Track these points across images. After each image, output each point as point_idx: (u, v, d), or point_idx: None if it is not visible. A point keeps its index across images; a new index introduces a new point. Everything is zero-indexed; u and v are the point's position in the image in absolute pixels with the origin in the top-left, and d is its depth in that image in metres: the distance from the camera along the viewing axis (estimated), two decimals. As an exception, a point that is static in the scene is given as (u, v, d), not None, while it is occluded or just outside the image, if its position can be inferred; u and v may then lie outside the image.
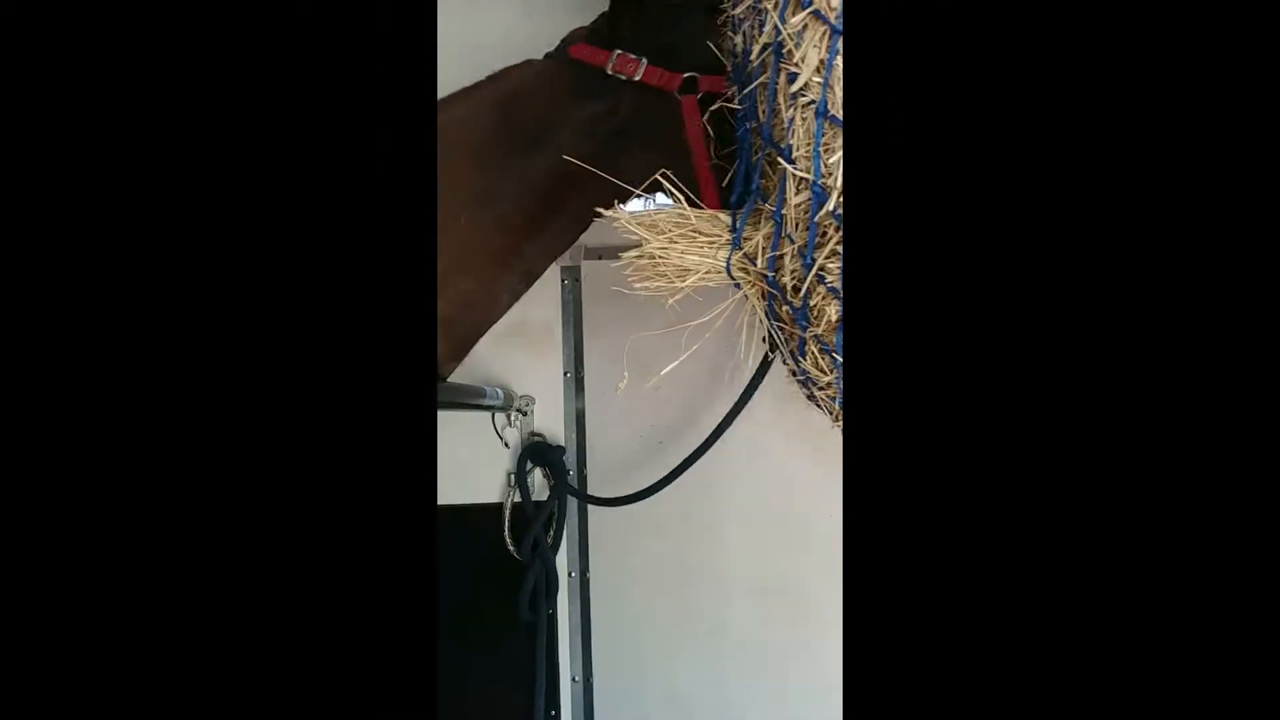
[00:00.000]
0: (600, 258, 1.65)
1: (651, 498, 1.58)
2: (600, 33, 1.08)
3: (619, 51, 1.03)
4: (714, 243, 0.77)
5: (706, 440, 1.35)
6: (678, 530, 1.61)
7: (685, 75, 1.00)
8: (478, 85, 1.11)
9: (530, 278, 1.18)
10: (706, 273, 0.77)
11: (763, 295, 0.78)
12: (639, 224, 0.77)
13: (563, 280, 1.67)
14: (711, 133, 0.92)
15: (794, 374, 0.82)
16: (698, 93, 1.00)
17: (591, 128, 1.03)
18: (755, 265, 0.75)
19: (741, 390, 1.19)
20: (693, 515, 1.59)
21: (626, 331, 1.64)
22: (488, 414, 1.65)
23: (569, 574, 1.65)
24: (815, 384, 0.78)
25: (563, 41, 1.12)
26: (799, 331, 0.75)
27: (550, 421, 1.68)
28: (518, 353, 1.68)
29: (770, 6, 0.70)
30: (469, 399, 1.41)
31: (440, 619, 0.53)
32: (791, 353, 0.79)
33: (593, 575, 1.65)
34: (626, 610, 1.63)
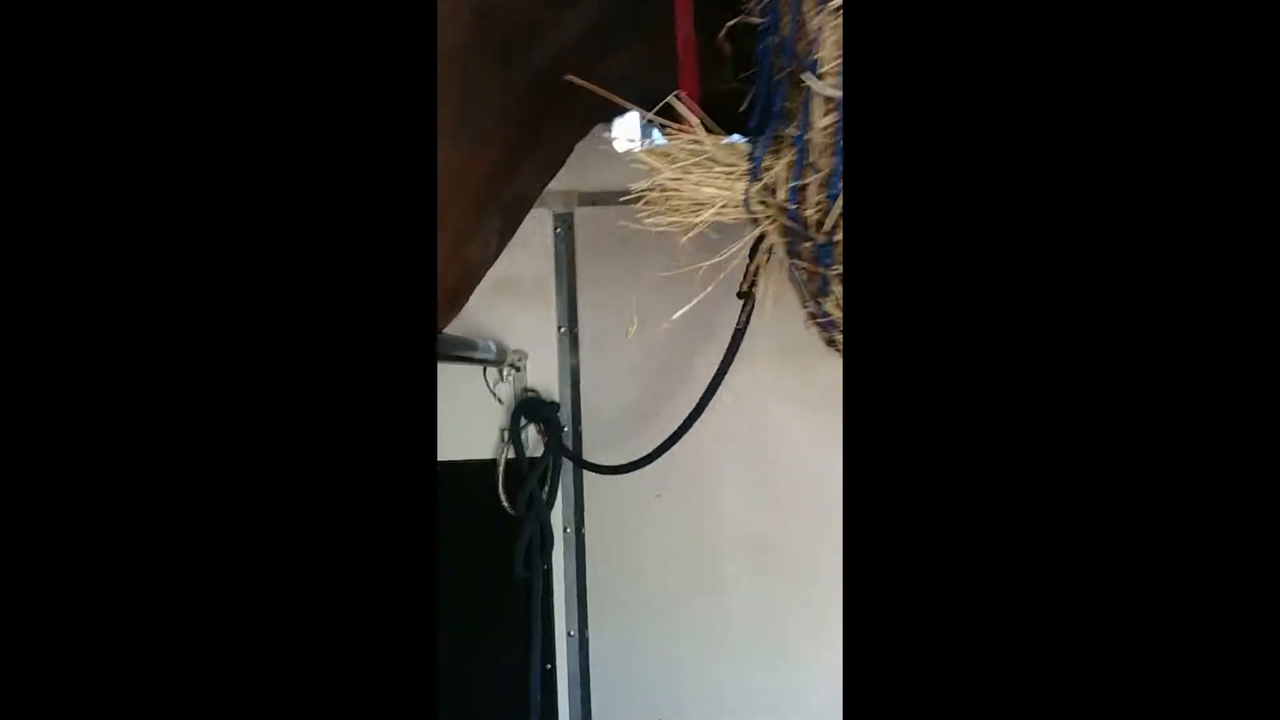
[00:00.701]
0: (595, 204, 1.58)
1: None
2: None
3: None
4: (731, 173, 0.71)
5: (700, 400, 1.30)
6: (674, 487, 1.58)
7: None
8: None
9: (522, 207, 1.07)
10: (723, 206, 0.71)
11: (783, 231, 0.73)
12: (650, 154, 0.71)
13: (555, 229, 1.60)
14: (729, 48, 0.84)
15: (814, 317, 0.78)
16: None
17: (574, 20, 0.92)
18: (776, 197, 0.70)
19: (739, 341, 1.15)
20: (689, 472, 1.56)
21: (622, 283, 1.59)
22: (480, 370, 1.59)
23: (564, 530, 1.63)
24: (837, 327, 0.73)
25: None
26: (821, 270, 0.70)
27: (544, 377, 1.63)
28: (509, 307, 1.62)
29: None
30: (461, 351, 1.36)
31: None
32: (812, 295, 0.74)
33: (588, 531, 1.63)
34: (621, 566, 1.61)
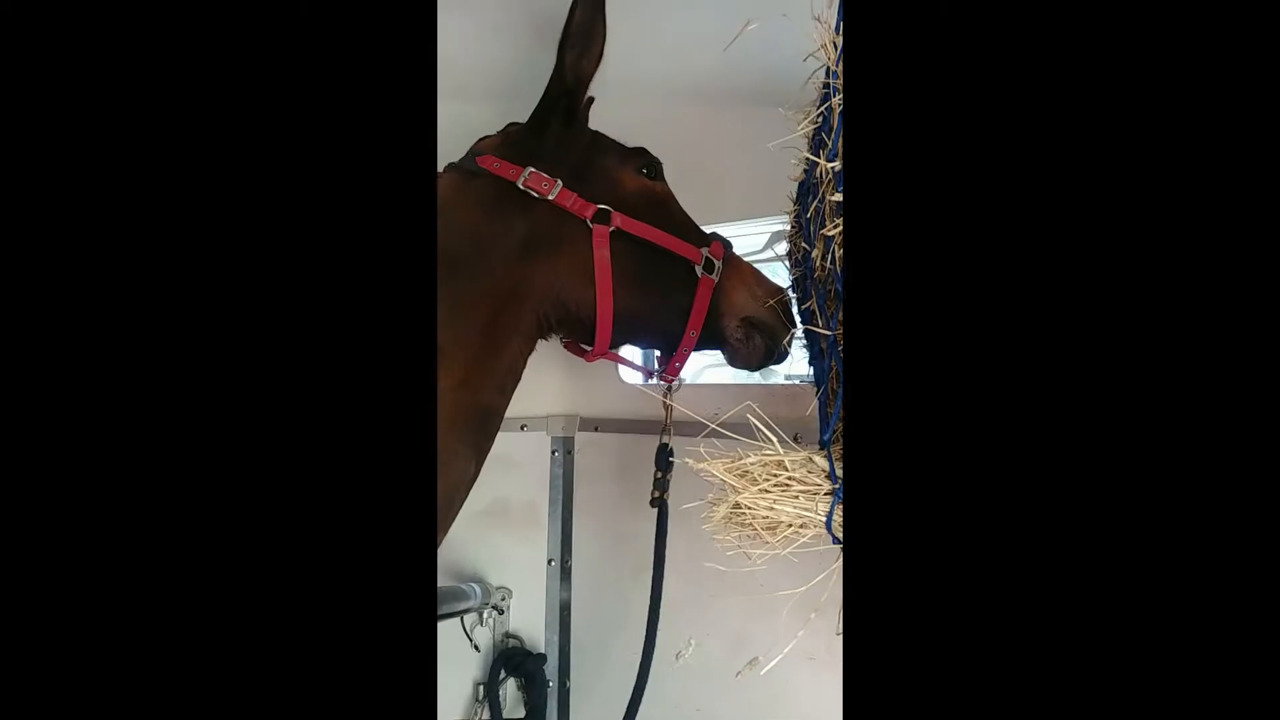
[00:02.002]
0: (597, 429, 1.51)
1: None
2: (513, 144, 1.10)
3: (531, 169, 1.05)
4: (812, 493, 0.65)
5: (644, 655, 1.18)
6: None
7: (599, 206, 1.05)
8: None
9: (492, 422, 1.09)
10: (801, 527, 0.64)
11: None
12: (730, 472, 0.64)
13: (553, 451, 1.51)
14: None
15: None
16: (610, 225, 1.04)
17: (504, 240, 1.03)
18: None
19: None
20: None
21: (621, 512, 1.49)
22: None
23: (544, 817, 1.36)
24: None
25: (470, 151, 1.12)
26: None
27: (529, 618, 1.46)
28: (495, 536, 1.48)
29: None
30: (445, 607, 1.19)
31: None
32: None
33: (574, 820, 1.37)
34: None
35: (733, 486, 0.63)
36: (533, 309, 1.06)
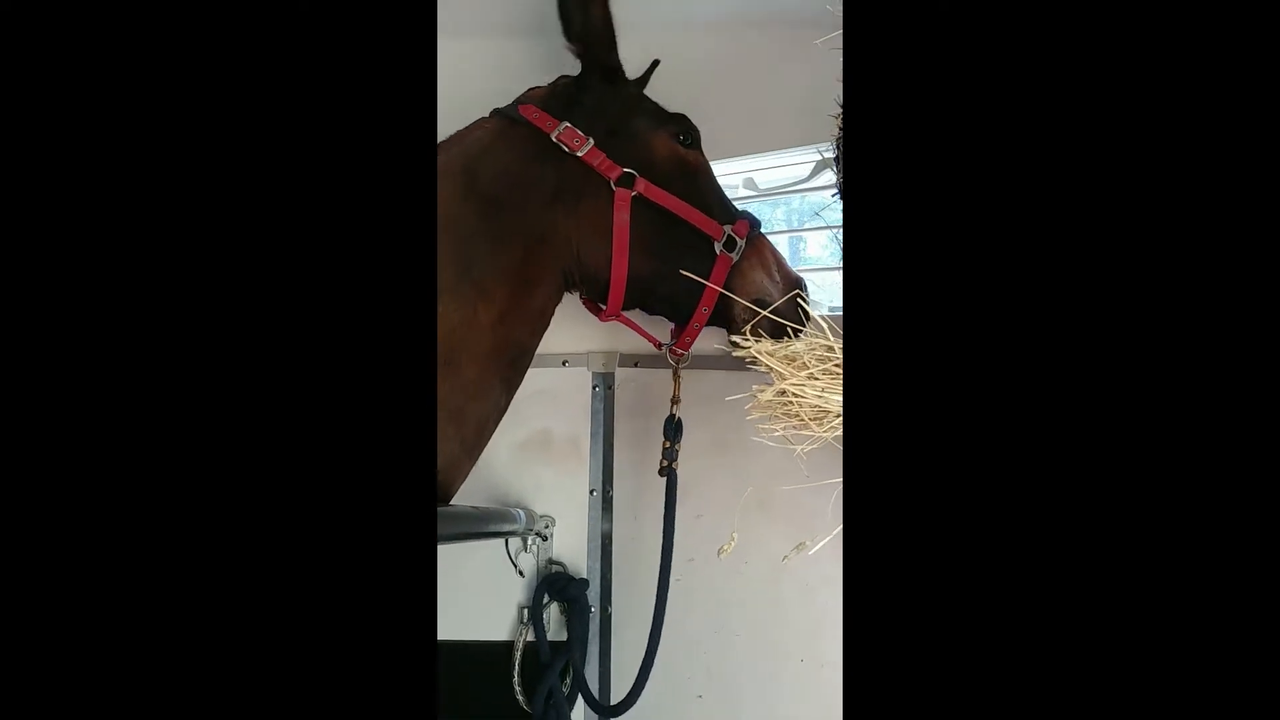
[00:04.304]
0: (636, 365, 1.52)
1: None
2: (557, 97, 1.11)
3: (567, 124, 1.06)
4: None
5: (658, 598, 1.22)
6: (721, 684, 1.39)
7: (625, 170, 1.04)
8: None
9: (523, 359, 1.11)
10: (851, 417, 0.63)
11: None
12: (776, 358, 0.63)
13: (593, 387, 1.53)
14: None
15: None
16: (633, 190, 1.04)
17: (538, 188, 1.05)
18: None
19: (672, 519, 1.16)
20: (740, 667, 1.38)
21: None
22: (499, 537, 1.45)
23: (586, 732, 1.41)
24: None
25: (517, 99, 1.13)
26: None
27: (571, 547, 1.49)
28: (538, 468, 1.51)
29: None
30: (494, 526, 1.22)
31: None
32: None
33: (615, 735, 1.41)
34: (653, 780, 1.38)
35: (779, 373, 0.63)
36: (557, 258, 1.08)
